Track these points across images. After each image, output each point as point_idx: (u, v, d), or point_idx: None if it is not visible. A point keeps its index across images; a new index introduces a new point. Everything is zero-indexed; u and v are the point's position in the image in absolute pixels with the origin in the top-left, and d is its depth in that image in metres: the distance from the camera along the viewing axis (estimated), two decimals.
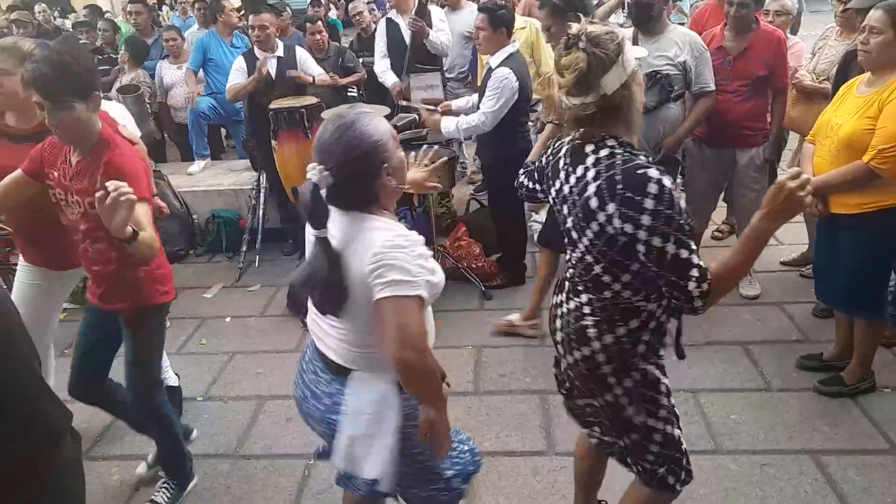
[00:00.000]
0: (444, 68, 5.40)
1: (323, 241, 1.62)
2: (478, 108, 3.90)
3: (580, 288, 1.85)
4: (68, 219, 2.35)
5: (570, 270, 1.89)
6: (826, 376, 3.12)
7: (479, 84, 4.50)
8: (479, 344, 3.69)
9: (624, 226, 1.59)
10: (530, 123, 4.47)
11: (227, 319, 4.11)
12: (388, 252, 1.58)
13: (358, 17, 6.58)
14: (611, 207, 1.60)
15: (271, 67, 4.70)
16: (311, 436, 2.97)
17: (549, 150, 1.89)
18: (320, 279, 1.63)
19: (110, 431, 3.13)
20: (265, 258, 4.93)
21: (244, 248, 4.85)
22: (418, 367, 1.59)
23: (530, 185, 2.07)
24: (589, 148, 1.70)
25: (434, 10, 5.26)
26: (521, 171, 2.12)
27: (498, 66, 3.77)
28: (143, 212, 2.11)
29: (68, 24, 9.06)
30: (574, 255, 1.82)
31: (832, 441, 2.79)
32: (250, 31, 4.72)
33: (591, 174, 1.66)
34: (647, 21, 3.48)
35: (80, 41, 6.69)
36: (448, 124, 3.93)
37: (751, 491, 2.55)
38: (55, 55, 2.08)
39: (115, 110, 3.60)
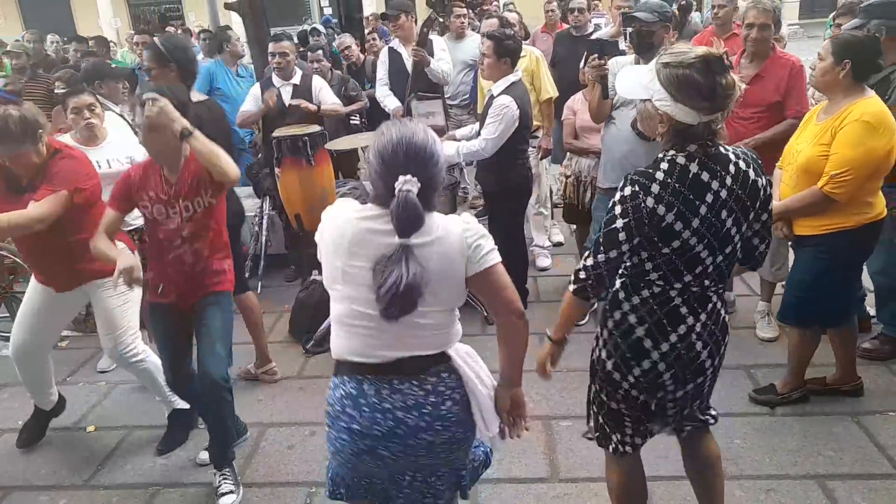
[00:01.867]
0: (448, 96, 5.48)
1: (408, 248, 1.67)
2: (478, 135, 3.94)
3: (713, 289, 1.95)
4: (166, 231, 2.70)
5: (704, 282, 1.91)
6: (762, 386, 3.28)
7: (479, 111, 4.56)
8: None
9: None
10: (531, 150, 4.52)
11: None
12: (475, 228, 1.80)
13: (346, 52, 6.69)
14: (762, 180, 1.89)
15: (286, 95, 4.78)
16: (313, 463, 2.98)
17: (650, 190, 1.79)
18: (417, 283, 1.66)
19: (111, 460, 3.12)
20: (267, 284, 4.94)
21: (247, 275, 4.86)
22: (526, 322, 1.88)
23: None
24: (721, 149, 1.86)
25: (435, 39, 5.35)
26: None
27: (500, 94, 3.82)
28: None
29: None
30: (717, 260, 1.89)
31: (837, 465, 2.77)
32: (270, 58, 4.81)
33: (742, 163, 1.86)
34: (648, 49, 3.52)
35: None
36: (449, 149, 3.97)
37: None
38: None
39: (124, 133, 3.66)
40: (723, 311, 2.01)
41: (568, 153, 4.43)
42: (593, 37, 4.91)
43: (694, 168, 1.80)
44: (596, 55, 3.54)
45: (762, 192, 1.89)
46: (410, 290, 1.64)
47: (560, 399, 3.34)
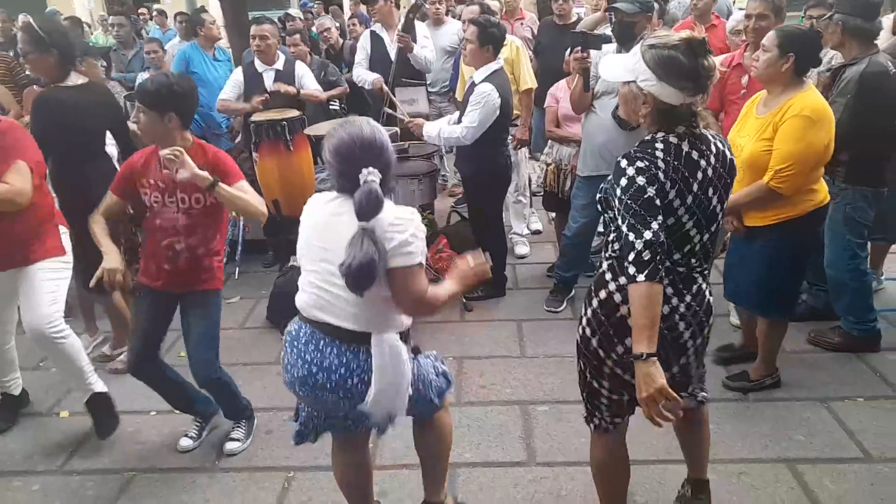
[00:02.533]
0: (427, 83, 5.45)
1: (366, 231, 1.85)
2: (459, 121, 3.93)
3: (698, 270, 1.98)
4: (162, 219, 2.70)
5: (691, 261, 1.96)
6: (734, 372, 3.32)
7: (460, 98, 4.55)
8: (459, 355, 3.69)
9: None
10: (510, 137, 4.53)
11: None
12: (405, 224, 1.91)
13: (325, 34, 6.63)
14: (731, 155, 1.99)
15: (268, 80, 4.71)
16: (291, 448, 2.97)
17: (658, 165, 1.83)
18: (375, 263, 1.83)
19: (85, 446, 3.08)
20: (245, 270, 4.91)
21: (224, 260, 4.81)
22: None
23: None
24: (704, 130, 1.93)
25: (419, 26, 5.32)
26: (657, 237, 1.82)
27: (482, 82, 3.81)
28: (244, 186, 2.70)
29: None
30: (703, 238, 1.95)
31: (807, 450, 2.83)
32: (251, 41, 4.73)
33: (719, 143, 1.96)
34: (630, 39, 3.53)
35: None
36: (430, 130, 3.99)
37: (728, 499, 2.57)
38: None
39: None
40: (708, 293, 2.04)
41: (549, 141, 4.45)
42: (578, 28, 4.91)
43: (685, 147, 1.87)
44: (579, 48, 3.55)
45: (734, 169, 2.00)
46: (362, 267, 1.82)
47: (537, 384, 3.37)
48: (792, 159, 2.74)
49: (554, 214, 4.84)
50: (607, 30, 3.92)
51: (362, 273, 1.82)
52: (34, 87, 4.48)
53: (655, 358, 1.78)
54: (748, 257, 3.05)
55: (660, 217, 1.81)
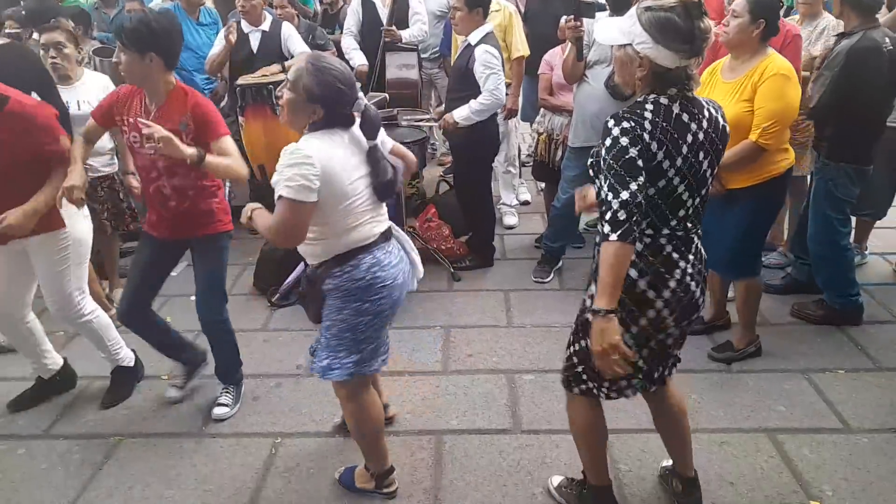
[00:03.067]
0: (419, 49, 5.36)
1: (377, 146, 2.20)
2: (448, 85, 3.91)
3: (694, 231, 2.00)
4: (144, 159, 2.66)
5: (687, 225, 1.97)
6: (719, 344, 3.38)
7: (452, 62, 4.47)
8: (447, 324, 3.70)
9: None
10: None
11: (192, 298, 4.02)
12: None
13: None
14: (727, 126, 1.99)
15: (254, 41, 4.61)
16: (278, 414, 2.99)
17: (644, 126, 1.81)
18: (397, 170, 2.25)
19: (71, 410, 3.08)
20: (231, 237, 4.85)
21: (227, 198, 4.75)
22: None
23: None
24: (696, 96, 1.93)
25: None
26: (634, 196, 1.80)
27: (478, 44, 3.77)
28: (228, 144, 2.60)
29: None
30: (695, 202, 1.95)
31: (788, 420, 2.88)
32: (236, 1, 4.62)
33: (712, 109, 1.96)
34: (625, 7, 3.47)
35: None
36: (461, 113, 3.93)
37: (710, 468, 2.62)
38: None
39: (101, 81, 3.55)
40: (702, 249, 2.09)
41: (542, 109, 4.40)
42: None
43: (676, 109, 1.86)
44: (572, 16, 3.50)
45: (727, 136, 1.99)
46: (391, 175, 2.20)
47: (523, 353, 3.40)
48: (776, 116, 2.82)
49: (543, 184, 4.82)
50: None
51: (393, 181, 2.20)
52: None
53: (614, 315, 1.81)
54: (725, 222, 3.08)
55: (640, 178, 1.79)
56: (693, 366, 3.23)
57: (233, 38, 4.48)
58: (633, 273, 1.93)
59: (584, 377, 2.15)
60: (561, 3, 4.19)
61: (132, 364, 3.19)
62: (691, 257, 2.01)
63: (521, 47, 4.62)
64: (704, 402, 3.00)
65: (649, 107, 1.85)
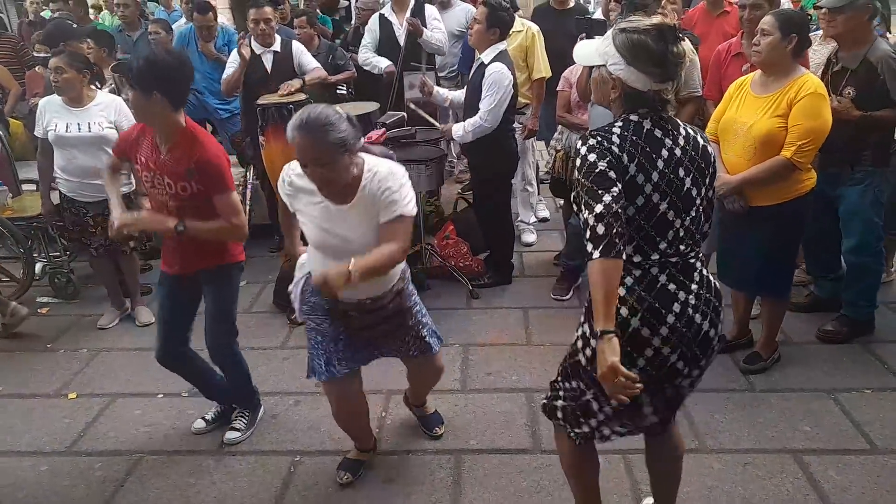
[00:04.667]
0: (436, 67, 5.40)
1: None
2: (464, 100, 3.94)
3: (692, 256, 1.90)
4: (155, 200, 2.64)
5: (680, 248, 1.85)
6: (747, 355, 3.36)
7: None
8: (466, 342, 3.69)
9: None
10: (518, 126, 4.49)
11: None
12: None
13: (365, 13, 6.48)
14: (710, 147, 1.92)
15: (267, 62, 4.67)
16: (297, 432, 2.99)
17: (612, 140, 1.78)
18: None
19: (93, 427, 3.10)
20: (251, 255, 4.82)
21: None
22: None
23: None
24: (671, 115, 1.89)
25: (429, 9, 5.25)
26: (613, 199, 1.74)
27: (491, 62, 3.80)
28: (225, 202, 2.53)
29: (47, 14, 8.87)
30: (685, 223, 1.85)
31: (813, 441, 2.83)
32: (252, 24, 4.67)
33: (690, 130, 1.91)
34: None
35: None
36: (456, 130, 3.98)
37: (734, 490, 2.57)
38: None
39: (114, 103, 3.63)
40: (712, 278, 1.96)
41: (560, 126, 4.40)
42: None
43: (647, 125, 1.82)
44: (584, 35, 3.52)
45: (713, 159, 1.92)
46: None
47: (543, 372, 3.37)
48: (812, 134, 2.81)
49: (561, 201, 4.81)
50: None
51: None
52: (37, 68, 4.48)
53: (612, 335, 1.71)
54: (749, 241, 3.06)
55: (614, 189, 1.72)
56: (716, 385, 3.18)
57: (246, 52, 4.54)
58: (624, 312, 1.81)
59: (559, 415, 2.08)
60: (574, 23, 4.20)
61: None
62: (694, 286, 1.87)
63: (542, 68, 4.61)
64: (727, 422, 2.95)
65: (618, 122, 1.83)
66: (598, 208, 1.70)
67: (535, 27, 4.70)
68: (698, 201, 1.88)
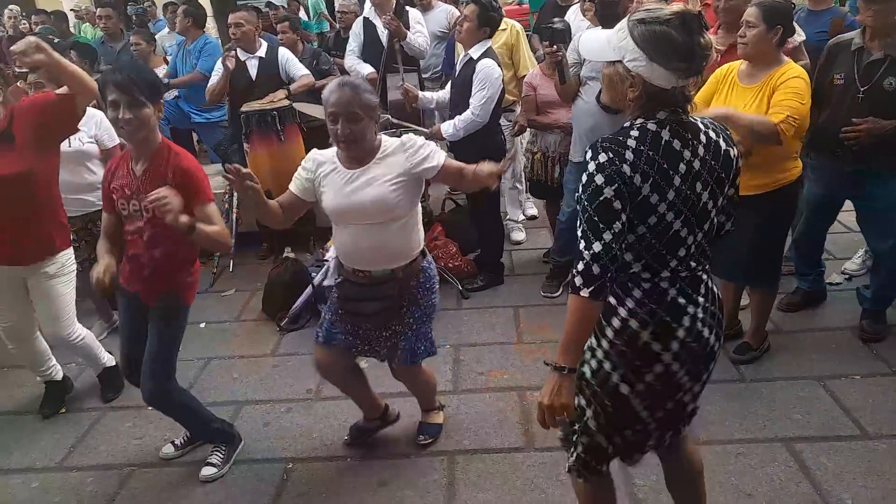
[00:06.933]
0: (420, 68, 5.39)
1: None
2: (450, 99, 3.94)
3: (701, 270, 1.81)
4: (131, 227, 2.56)
5: (691, 264, 1.76)
6: (736, 345, 3.37)
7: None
8: (457, 343, 3.69)
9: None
10: (506, 123, 4.50)
11: (202, 325, 4.06)
12: None
13: (347, 16, 6.48)
14: (733, 150, 1.77)
15: (251, 68, 4.66)
16: (289, 439, 2.98)
17: (625, 157, 1.62)
18: None
19: (83, 442, 3.08)
20: (239, 263, 4.88)
21: (218, 253, 4.80)
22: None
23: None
24: (692, 118, 1.73)
25: (412, 12, 5.25)
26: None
27: (480, 58, 3.80)
28: (212, 210, 2.49)
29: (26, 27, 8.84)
30: (697, 238, 1.73)
31: (804, 428, 2.84)
32: (228, 29, 4.67)
33: (711, 133, 1.74)
34: (613, 20, 3.49)
35: None
36: (446, 128, 3.97)
37: (726, 480, 2.58)
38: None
39: (94, 117, 3.61)
40: (715, 289, 1.88)
41: (532, 130, 4.41)
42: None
43: (666, 136, 1.65)
44: (547, 42, 3.54)
45: (734, 163, 1.76)
46: None
47: (535, 370, 3.37)
48: (800, 113, 2.79)
49: (545, 201, 4.82)
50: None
51: None
52: (18, 83, 4.44)
53: (574, 373, 1.71)
54: (737, 231, 3.01)
55: (617, 224, 1.60)
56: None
57: (231, 63, 4.53)
58: (634, 325, 1.74)
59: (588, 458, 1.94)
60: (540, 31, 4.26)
61: (114, 363, 3.34)
62: (701, 299, 1.78)
63: (529, 65, 4.66)
64: (719, 413, 2.96)
65: (634, 133, 1.65)
66: (597, 247, 1.61)
67: (518, 25, 4.76)
68: (713, 214, 1.75)
